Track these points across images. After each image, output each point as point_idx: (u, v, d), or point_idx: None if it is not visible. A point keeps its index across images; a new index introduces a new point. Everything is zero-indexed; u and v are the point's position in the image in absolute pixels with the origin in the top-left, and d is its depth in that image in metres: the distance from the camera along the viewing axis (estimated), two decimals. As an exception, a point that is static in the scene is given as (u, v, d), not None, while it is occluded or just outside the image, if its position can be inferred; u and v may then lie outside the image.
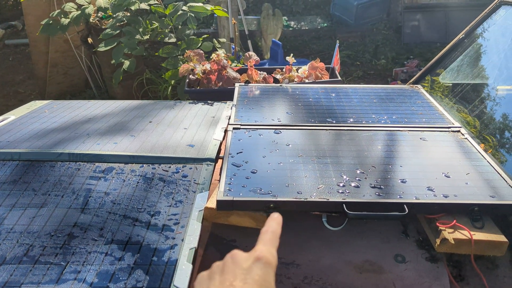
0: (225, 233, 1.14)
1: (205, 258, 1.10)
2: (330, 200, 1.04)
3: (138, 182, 1.20)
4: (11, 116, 1.60)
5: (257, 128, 1.41)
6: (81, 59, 4.26)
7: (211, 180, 1.24)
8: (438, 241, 0.99)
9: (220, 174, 1.33)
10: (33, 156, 1.27)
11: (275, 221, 0.65)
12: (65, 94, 4.36)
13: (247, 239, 1.13)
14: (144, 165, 1.27)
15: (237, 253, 0.60)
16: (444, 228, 1.00)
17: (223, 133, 1.47)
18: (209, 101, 1.81)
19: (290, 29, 6.89)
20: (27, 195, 1.14)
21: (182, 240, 1.01)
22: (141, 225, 1.06)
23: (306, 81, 2.04)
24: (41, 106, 1.72)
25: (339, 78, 2.07)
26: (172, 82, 3.50)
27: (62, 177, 1.21)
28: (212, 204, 1.09)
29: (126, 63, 3.06)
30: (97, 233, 1.03)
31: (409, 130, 1.39)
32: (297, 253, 1.08)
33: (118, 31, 3.04)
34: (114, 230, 1.04)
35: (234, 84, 1.82)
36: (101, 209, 1.10)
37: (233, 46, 3.99)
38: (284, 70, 2.09)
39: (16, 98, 4.70)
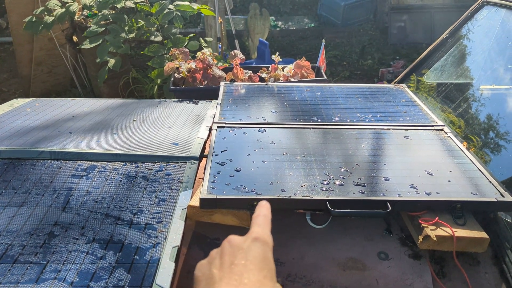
0: (209, 232, 1.14)
1: (188, 256, 1.09)
2: (313, 198, 1.04)
3: (120, 181, 1.19)
4: (-8, 114, 1.57)
5: (242, 127, 1.40)
6: (66, 58, 4.21)
7: (195, 178, 1.23)
8: (420, 238, 1.00)
9: (204, 173, 1.32)
10: (14, 154, 1.25)
11: (264, 207, 0.67)
12: (50, 93, 4.30)
13: (231, 237, 1.12)
14: (127, 164, 1.25)
15: (233, 237, 0.61)
16: (426, 225, 1.01)
17: (208, 132, 1.46)
18: (194, 100, 1.80)
19: (278, 29, 6.90)
20: (7, 194, 1.12)
21: (165, 238, 1.00)
22: (123, 223, 1.04)
23: (292, 80, 2.04)
24: (23, 104, 1.69)
25: (325, 77, 2.08)
26: (158, 81, 3.48)
27: (43, 176, 1.19)
28: (196, 202, 1.08)
29: (111, 61, 3.03)
30: (78, 232, 1.01)
31: (393, 129, 1.40)
32: (281, 251, 1.08)
33: (103, 29, 3.01)
34: (95, 229, 1.02)
35: (219, 83, 1.81)
36: (83, 208, 1.09)
37: (220, 46, 3.98)
38: (269, 69, 2.09)
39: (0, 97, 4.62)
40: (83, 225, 1.03)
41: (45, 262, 0.93)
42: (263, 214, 0.67)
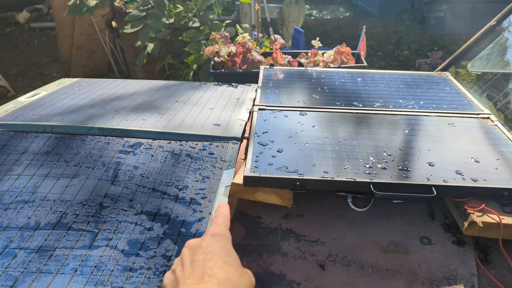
0: (251, 210, 1.16)
1: (230, 232, 1.12)
2: (357, 180, 1.04)
3: (166, 158, 1.22)
4: (42, 91, 1.64)
5: (282, 110, 1.41)
6: (105, 43, 4.31)
7: (237, 158, 1.25)
8: (466, 224, 0.99)
9: (245, 153, 1.34)
10: (65, 129, 1.31)
11: (224, 207, 0.72)
12: (88, 77, 4.43)
13: (271, 215, 1.14)
14: (172, 142, 1.29)
15: (191, 240, 0.63)
16: (472, 212, 1.00)
17: (248, 114, 1.48)
18: (233, 84, 1.82)
19: (312, 18, 6.83)
20: (60, 166, 1.17)
21: (210, 213, 1.03)
22: (169, 198, 1.08)
23: (331, 65, 2.03)
24: (70, 84, 1.76)
25: (365, 64, 2.05)
26: (194, 67, 3.52)
27: (93, 150, 1.24)
28: (239, 180, 1.10)
29: (150, 46, 3.08)
30: (127, 204, 1.05)
31: (437, 115, 1.38)
32: (322, 231, 1.09)
33: (144, 13, 3.06)
34: (143, 202, 1.06)
35: (258, 67, 1.82)
36: (131, 182, 1.13)
37: (255, 33, 3.98)
38: (309, 54, 2.08)
39: (41, 80, 4.79)
40: (131, 198, 1.08)
41: (97, 231, 0.98)
42: (222, 213, 0.69)
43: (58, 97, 1.59)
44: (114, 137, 1.29)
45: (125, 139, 1.29)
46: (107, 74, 4.65)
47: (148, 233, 0.97)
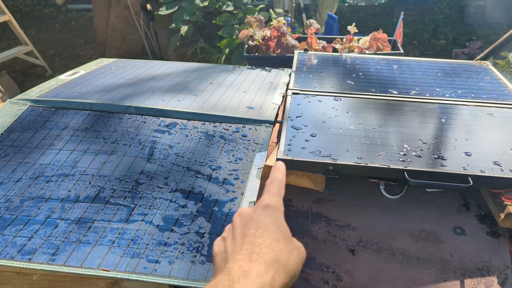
0: (282, 193, 1.17)
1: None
2: (391, 167, 1.03)
3: (200, 138, 1.24)
4: (81, 70, 1.68)
5: (316, 94, 1.41)
6: (139, 25, 4.37)
7: (269, 141, 1.26)
8: (502, 215, 0.97)
9: (277, 137, 1.35)
10: (103, 107, 1.34)
11: (279, 171, 0.66)
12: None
13: (303, 199, 1.15)
14: (206, 123, 1.31)
15: (243, 209, 0.60)
16: (510, 203, 0.97)
17: (281, 98, 1.48)
18: (266, 68, 1.82)
19: (346, 4, 6.70)
20: (98, 143, 1.21)
21: (242, 194, 1.05)
22: (203, 177, 1.10)
23: (366, 52, 2.00)
24: (108, 64, 1.80)
25: (402, 51, 2.01)
26: (227, 51, 3.53)
27: (129, 129, 1.27)
28: (272, 162, 1.11)
29: (184, 28, 3.11)
30: (162, 182, 1.08)
31: (475, 105, 1.34)
32: (353, 216, 1.09)
33: (178, -3, 3.09)
34: (177, 180, 1.09)
35: (292, 52, 1.81)
36: (166, 160, 1.15)
37: (289, 18, 3.94)
38: (344, 40, 2.05)
39: (76, 61, 4.91)
40: (167, 175, 1.10)
41: (133, 206, 1.01)
42: (277, 180, 0.64)
43: (96, 76, 1.63)
44: (150, 116, 1.32)
45: (161, 118, 1.31)
46: (140, 57, 4.72)
47: (182, 210, 1.00)
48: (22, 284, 0.90)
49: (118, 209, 1.00)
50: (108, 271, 0.84)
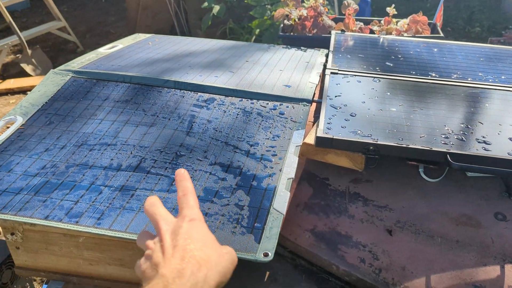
0: (319, 171, 1.17)
1: (298, 191, 1.14)
2: (433, 149, 1.02)
3: (237, 114, 1.25)
4: (119, 44, 1.71)
5: (355, 75, 1.39)
6: (169, 4, 4.37)
7: (307, 120, 1.26)
8: (548, 202, 0.95)
9: (314, 116, 1.35)
10: (143, 81, 1.36)
11: (186, 180, 0.68)
12: (152, 37, 4.53)
13: (339, 178, 1.14)
14: (243, 99, 1.31)
15: (168, 224, 0.61)
16: (556, 191, 0.95)
17: (318, 78, 1.47)
18: (302, 47, 1.80)
19: (379, -13, 6.53)
20: (138, 115, 1.23)
21: (280, 170, 1.05)
22: (241, 152, 1.11)
23: (405, 35, 1.95)
24: (145, 39, 1.81)
25: (442, 35, 1.96)
26: (257, 31, 3.50)
27: (168, 102, 1.28)
28: (311, 140, 1.11)
29: (216, 8, 3.10)
30: (202, 155, 1.09)
31: (521, 91, 1.31)
32: (391, 198, 1.08)
33: (211, -25, 3.07)
34: (216, 154, 1.10)
35: (328, 33, 1.79)
36: (204, 134, 1.16)
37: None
38: (381, 22, 2.01)
39: (107, 38, 4.97)
40: (206, 149, 1.11)
41: (174, 176, 1.02)
42: (189, 191, 0.66)
43: (134, 50, 1.65)
44: (189, 91, 1.33)
45: (199, 93, 1.32)
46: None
47: (222, 182, 1.01)
48: (68, 246, 0.94)
49: (159, 179, 1.02)
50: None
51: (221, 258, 0.59)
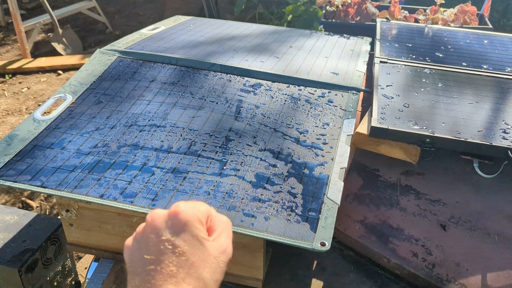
0: (369, 162, 1.15)
1: (347, 181, 1.12)
2: (493, 144, 0.99)
3: (285, 101, 1.23)
4: (162, 26, 1.70)
5: (405, 65, 1.35)
6: (200, -13, 4.34)
7: (356, 109, 1.23)
8: None
9: (362, 106, 1.32)
10: (189, 63, 1.35)
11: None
12: (181, 20, 4.52)
13: (390, 170, 1.12)
14: (290, 86, 1.29)
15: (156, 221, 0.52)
16: None
17: (365, 66, 1.43)
18: (345, 35, 1.76)
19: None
20: (186, 97, 1.22)
21: (332, 159, 1.03)
22: (291, 139, 1.09)
23: (452, 25, 1.89)
24: (186, 21, 1.80)
25: (490, 26, 1.89)
26: (289, 17, 3.45)
27: (215, 86, 1.27)
28: (363, 130, 1.09)
29: (250, -8, 3.05)
30: (251, 140, 1.08)
31: None
32: (444, 192, 1.06)
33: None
34: (266, 140, 1.09)
35: (372, 20, 1.75)
36: (253, 120, 1.15)
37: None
38: (427, 11, 1.95)
39: (136, 20, 4.97)
40: (255, 135, 1.10)
41: (225, 160, 1.02)
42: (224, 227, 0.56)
43: (176, 32, 1.64)
44: (235, 76, 1.31)
45: (246, 78, 1.31)
46: (198, 19, 4.72)
47: (273, 169, 1.00)
48: (121, 225, 0.94)
49: (210, 163, 1.01)
50: (207, 220, 0.86)
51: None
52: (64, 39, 4.25)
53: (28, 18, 4.27)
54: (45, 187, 0.92)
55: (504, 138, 1.01)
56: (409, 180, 1.09)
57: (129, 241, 0.54)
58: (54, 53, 4.16)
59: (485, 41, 1.57)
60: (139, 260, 0.49)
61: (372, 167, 1.13)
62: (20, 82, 3.80)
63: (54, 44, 4.18)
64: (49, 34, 4.38)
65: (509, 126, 1.06)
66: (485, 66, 1.37)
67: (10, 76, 3.89)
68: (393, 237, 0.98)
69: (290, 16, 3.40)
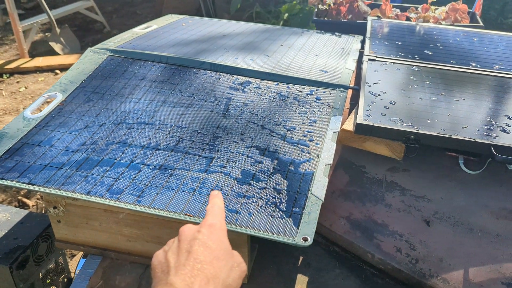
0: (355, 159, 1.16)
1: (333, 178, 1.13)
2: (477, 140, 1.00)
3: (273, 98, 1.24)
4: (154, 25, 1.71)
5: (394, 62, 1.36)
6: (197, -14, 4.35)
7: (344, 106, 1.24)
8: None
9: (350, 103, 1.33)
10: (179, 62, 1.36)
11: (218, 197, 0.72)
12: (178, 20, 4.53)
13: (376, 167, 1.13)
14: (279, 83, 1.30)
15: (188, 226, 0.63)
16: None
17: (355, 64, 1.44)
18: (336, 33, 1.77)
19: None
20: (175, 95, 1.23)
21: (318, 156, 1.04)
22: (278, 136, 1.10)
23: (443, 23, 1.90)
24: (178, 20, 1.81)
25: (481, 24, 1.90)
26: (285, 16, 3.47)
27: (205, 84, 1.28)
28: (349, 127, 1.10)
29: (246, -9, 3.06)
30: (238, 137, 1.09)
31: None
32: (429, 188, 1.07)
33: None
34: (253, 137, 1.10)
35: (363, 18, 1.76)
36: (241, 117, 1.16)
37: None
38: (419, 9, 1.96)
39: (133, 19, 4.98)
40: (242, 132, 1.11)
41: (212, 157, 1.03)
42: (217, 205, 0.70)
43: (169, 31, 1.65)
44: (225, 74, 1.33)
45: (235, 76, 1.32)
46: (195, 18, 4.73)
47: (259, 166, 1.01)
48: (108, 221, 0.95)
49: (197, 160, 1.02)
50: (191, 216, 0.87)
51: (231, 272, 0.59)
52: (61, 38, 4.26)
53: (26, 17, 4.29)
54: (32, 184, 0.93)
55: (488, 135, 1.02)
56: (395, 177, 1.10)
57: (159, 251, 0.63)
58: (52, 52, 4.18)
59: (475, 39, 1.58)
60: (172, 258, 0.58)
61: (358, 164, 1.14)
62: (17, 82, 3.82)
63: (52, 44, 4.19)
64: (46, 33, 4.39)
65: (494, 123, 1.07)
66: (473, 64, 1.38)
67: (8, 75, 3.91)
68: (377, 233, 0.99)
69: (286, 14, 3.41)
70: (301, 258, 1.02)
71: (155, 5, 4.71)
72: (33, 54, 4.23)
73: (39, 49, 4.36)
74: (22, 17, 4.38)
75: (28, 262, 1.24)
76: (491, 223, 0.98)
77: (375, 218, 1.01)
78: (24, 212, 1.33)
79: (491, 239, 0.95)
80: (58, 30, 4.21)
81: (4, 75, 3.89)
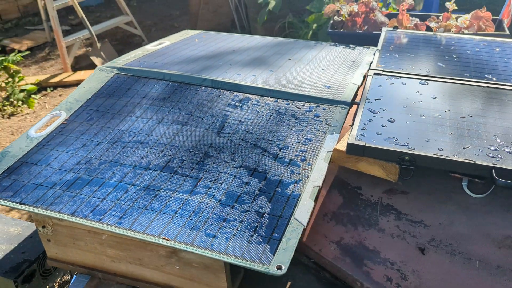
0: (351, 179, 1.11)
1: (327, 199, 1.09)
2: (476, 162, 0.92)
3: (271, 115, 1.22)
4: (167, 41, 1.74)
5: (400, 76, 1.30)
6: (230, -1, 4.40)
7: (343, 124, 1.20)
8: None
9: (353, 120, 1.28)
10: (181, 79, 1.37)
11: None
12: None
13: (372, 188, 1.08)
14: (278, 100, 1.27)
15: None
16: None
17: (362, 78, 1.39)
18: (351, 45, 1.72)
19: (453, -23, 6.11)
20: (173, 113, 1.24)
21: (307, 177, 1.01)
22: (269, 156, 1.08)
23: (465, 32, 1.80)
24: (192, 35, 1.83)
25: (507, 33, 1.78)
26: (314, 26, 3.42)
27: (204, 101, 1.28)
28: (342, 147, 1.05)
29: (272, 2, 3.07)
30: (229, 157, 1.08)
31: None
32: (427, 213, 1.00)
33: (268, -31, 3.04)
34: (244, 156, 1.08)
35: (381, 29, 1.69)
36: (235, 135, 1.15)
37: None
38: (440, 18, 1.87)
39: (171, 32, 5.11)
40: (234, 151, 1.10)
41: (199, 178, 1.02)
42: None
43: (180, 47, 1.67)
44: (225, 90, 1.32)
45: (235, 93, 1.31)
46: (230, 30, 4.77)
47: (245, 187, 0.99)
48: (93, 242, 0.97)
49: (184, 180, 1.02)
50: (168, 240, 0.86)
51: None
52: (102, 53, 4.45)
53: (72, 33, 4.51)
54: (23, 204, 0.97)
55: (491, 156, 0.95)
56: (392, 199, 1.04)
57: None
58: (93, 66, 4.37)
59: (497, 49, 1.47)
60: None
61: (354, 185, 1.09)
62: (60, 95, 4.02)
63: (93, 58, 4.39)
64: (88, 48, 4.61)
65: (501, 143, 0.99)
66: (489, 77, 1.29)
67: (51, 89, 4.12)
68: (368, 260, 0.94)
69: (315, 25, 3.36)
70: (288, 283, 0.99)
71: (191, 18, 4.82)
72: (75, 68, 4.44)
73: (81, 63, 4.57)
74: (68, 33, 4.62)
75: (35, 276, 1.28)
76: (492, 253, 0.90)
77: (366, 244, 0.96)
78: (34, 227, 1.38)
79: (490, 270, 0.87)
80: (98, 45, 4.40)
81: (48, 88, 4.11)
